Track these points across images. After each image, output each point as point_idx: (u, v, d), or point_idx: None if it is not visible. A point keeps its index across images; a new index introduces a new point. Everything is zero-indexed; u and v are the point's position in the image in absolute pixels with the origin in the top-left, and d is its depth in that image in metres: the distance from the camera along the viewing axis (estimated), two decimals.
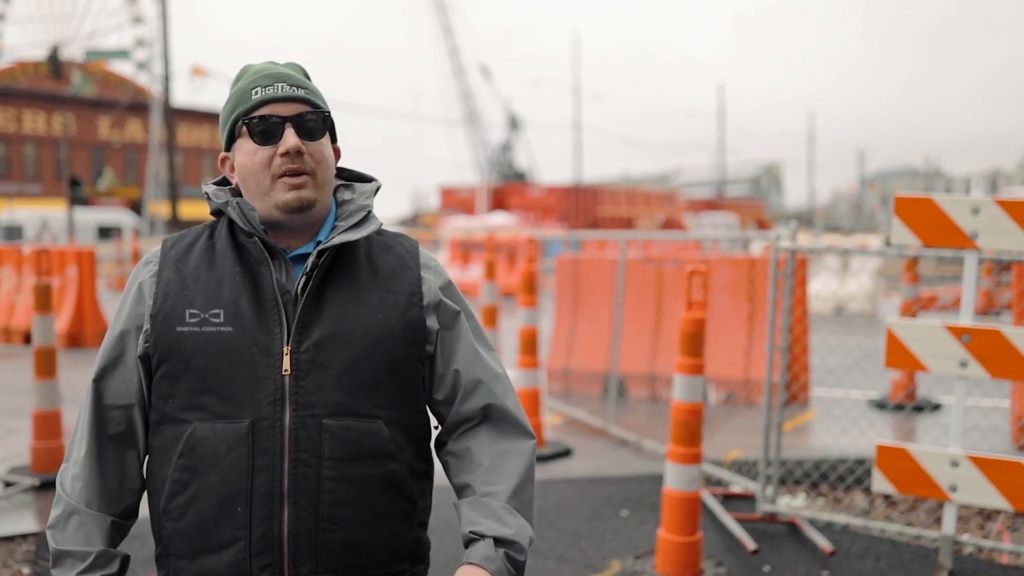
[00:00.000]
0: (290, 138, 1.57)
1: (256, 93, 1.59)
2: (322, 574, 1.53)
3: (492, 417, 1.67)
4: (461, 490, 1.67)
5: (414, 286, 1.64)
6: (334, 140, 1.68)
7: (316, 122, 1.61)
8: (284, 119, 1.58)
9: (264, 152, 1.58)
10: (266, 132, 1.58)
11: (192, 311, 1.55)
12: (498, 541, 1.55)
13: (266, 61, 1.68)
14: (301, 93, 1.60)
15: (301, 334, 1.54)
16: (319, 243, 1.61)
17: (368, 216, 1.66)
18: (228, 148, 1.65)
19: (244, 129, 1.60)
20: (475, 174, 56.61)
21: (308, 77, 1.68)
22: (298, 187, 1.57)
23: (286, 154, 1.56)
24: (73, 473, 1.62)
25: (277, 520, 1.51)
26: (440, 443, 1.73)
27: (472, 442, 1.67)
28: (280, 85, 1.59)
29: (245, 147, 1.60)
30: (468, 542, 1.58)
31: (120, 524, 1.65)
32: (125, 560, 1.63)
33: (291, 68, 1.66)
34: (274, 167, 1.57)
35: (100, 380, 1.63)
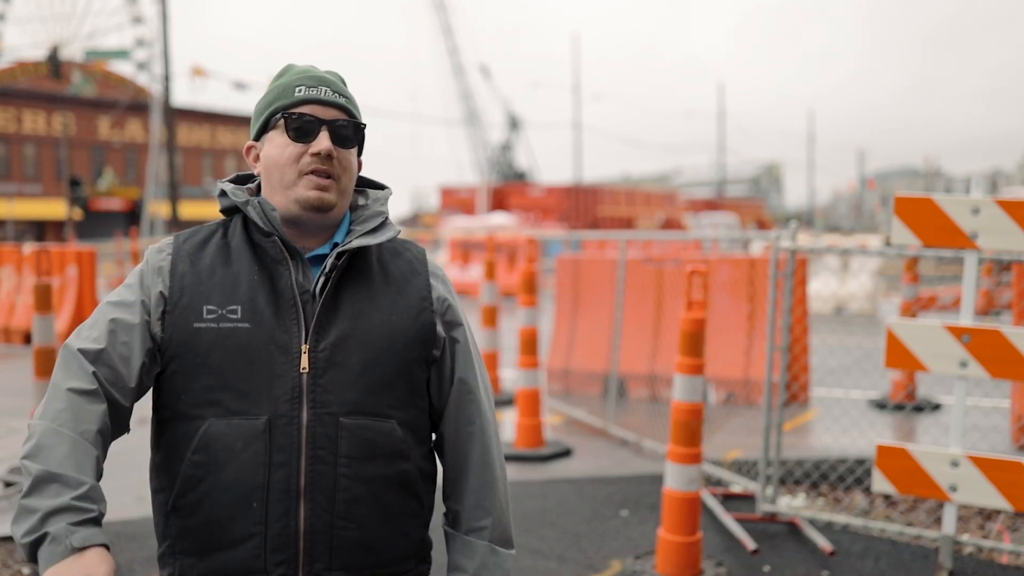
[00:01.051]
0: (324, 140, 1.60)
1: (299, 91, 1.63)
2: (336, 571, 1.54)
3: (479, 437, 1.71)
4: (451, 515, 1.73)
5: (424, 291, 1.67)
6: (360, 152, 1.71)
7: (351, 131, 1.64)
8: (322, 121, 1.62)
9: (295, 148, 1.61)
10: (302, 130, 1.61)
11: (210, 307, 1.56)
12: None
13: (308, 64, 1.71)
14: (342, 101, 1.65)
15: (319, 333, 1.56)
16: (335, 245, 1.64)
17: (385, 223, 1.69)
18: (258, 138, 1.68)
19: (281, 122, 1.63)
20: (475, 174, 56.62)
21: (345, 86, 1.71)
22: (322, 188, 1.60)
23: (317, 155, 1.59)
24: (50, 419, 1.47)
25: (294, 516, 1.52)
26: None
27: (465, 464, 1.70)
28: (324, 89, 1.64)
29: (277, 140, 1.63)
30: None
31: (99, 471, 1.49)
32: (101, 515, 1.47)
33: (334, 76, 1.70)
34: (302, 164, 1.60)
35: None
